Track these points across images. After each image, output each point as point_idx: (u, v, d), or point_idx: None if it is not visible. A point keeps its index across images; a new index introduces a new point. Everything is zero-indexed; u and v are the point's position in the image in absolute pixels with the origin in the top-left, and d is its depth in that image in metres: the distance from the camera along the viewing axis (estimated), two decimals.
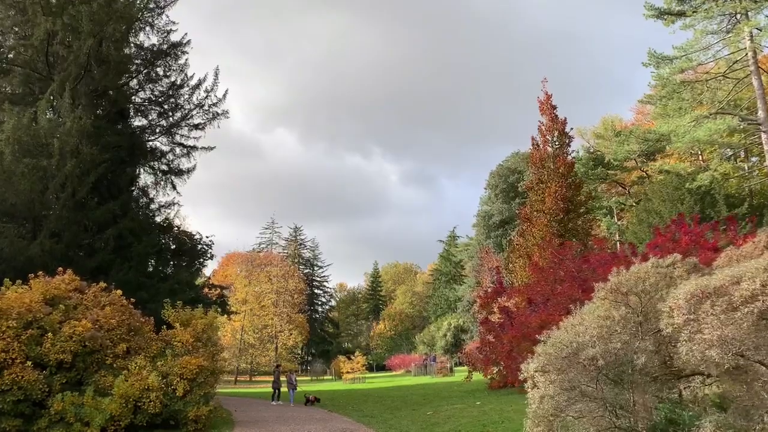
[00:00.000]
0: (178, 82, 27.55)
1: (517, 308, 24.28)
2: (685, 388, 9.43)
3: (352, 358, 55.40)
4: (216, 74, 27.58)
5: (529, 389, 8.50)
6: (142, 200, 26.88)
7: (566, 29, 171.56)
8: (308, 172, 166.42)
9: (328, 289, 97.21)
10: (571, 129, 38.66)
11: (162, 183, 27.56)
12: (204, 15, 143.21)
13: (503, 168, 63.48)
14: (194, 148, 27.82)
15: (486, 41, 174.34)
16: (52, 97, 22.61)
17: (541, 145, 37.58)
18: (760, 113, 36.98)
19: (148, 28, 26.55)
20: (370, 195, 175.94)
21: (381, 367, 75.84)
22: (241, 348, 64.60)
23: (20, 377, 13.84)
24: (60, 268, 16.56)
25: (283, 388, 26.72)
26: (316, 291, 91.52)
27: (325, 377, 65.15)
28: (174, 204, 28.16)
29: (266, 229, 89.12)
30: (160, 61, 26.86)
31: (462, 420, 15.03)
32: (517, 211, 56.49)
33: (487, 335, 24.61)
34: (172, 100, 27.59)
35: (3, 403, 13.62)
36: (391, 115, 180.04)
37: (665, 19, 41.47)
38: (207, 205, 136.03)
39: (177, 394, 15.14)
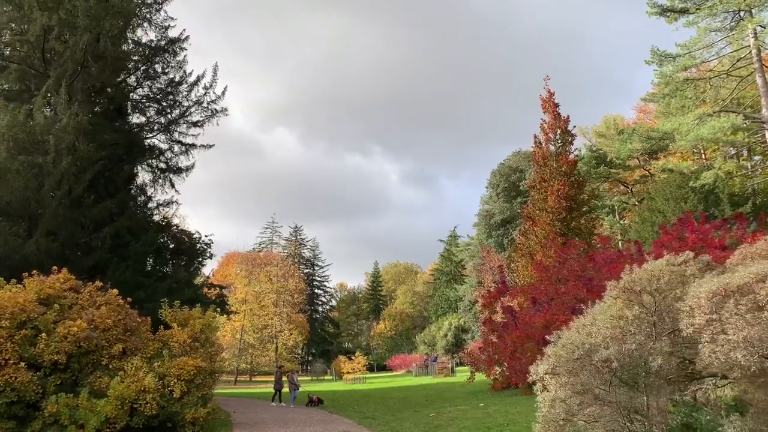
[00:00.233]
0: (177, 79, 27.21)
1: (520, 308, 23.93)
2: (696, 390, 9.10)
3: (353, 358, 55.06)
4: (215, 71, 27.28)
5: (539, 392, 8.16)
6: (140, 198, 26.50)
7: (566, 29, 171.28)
8: (308, 171, 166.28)
9: (329, 289, 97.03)
10: (574, 127, 38.37)
11: (160, 181, 27.22)
12: (204, 15, 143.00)
13: (505, 167, 63.09)
14: (193, 145, 27.48)
15: (486, 41, 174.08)
16: (49, 95, 22.27)
17: (543, 143, 37.27)
18: (764, 111, 36.65)
19: (146, 24, 26.21)
20: (370, 195, 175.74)
21: (382, 368, 75.51)
22: (240, 348, 64.29)
23: (14, 378, 13.48)
24: (55, 267, 16.21)
25: (285, 389, 26.38)
26: (316, 291, 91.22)
27: (326, 377, 64.82)
28: (173, 202, 27.85)
29: (266, 228, 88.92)
30: (158, 58, 26.49)
31: (466, 422, 14.68)
32: (519, 210, 56.16)
33: (489, 335, 24.27)
34: (170, 97, 27.23)
35: None
36: (391, 115, 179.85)
37: (668, 17, 41.12)
38: (207, 205, 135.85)
39: (174, 395, 14.80)
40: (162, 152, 27.32)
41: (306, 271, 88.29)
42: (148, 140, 27.09)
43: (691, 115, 40.29)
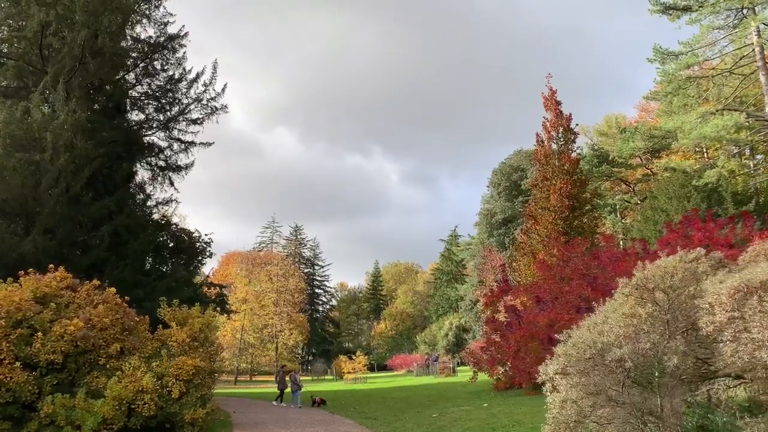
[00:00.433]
0: (176, 76, 26.91)
1: (524, 307, 23.67)
2: (707, 390, 8.84)
3: (354, 357, 54.79)
4: (214, 68, 26.99)
5: (548, 392, 7.90)
6: (138, 197, 26.20)
7: (567, 28, 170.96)
8: (308, 171, 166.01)
9: (329, 289, 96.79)
10: (576, 125, 38.13)
11: (159, 179, 26.93)
12: (203, 13, 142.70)
13: (506, 166, 62.83)
14: (192, 143, 27.19)
15: (486, 41, 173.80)
16: (47, 92, 22.02)
17: (545, 142, 37.05)
18: (767, 109, 36.40)
19: (144, 21, 25.90)
20: (370, 194, 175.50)
21: (382, 367, 75.23)
22: (241, 348, 64.03)
23: (9, 378, 13.23)
24: (51, 265, 15.93)
25: (288, 389, 26.10)
26: (316, 290, 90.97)
27: (326, 377, 64.57)
28: (172, 201, 27.55)
29: (267, 228, 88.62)
30: (157, 55, 26.20)
31: (470, 423, 14.40)
32: (520, 209, 55.93)
33: (492, 335, 24.00)
34: (170, 94, 26.93)
35: None
36: (391, 114, 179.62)
37: (671, 14, 40.85)
38: (207, 205, 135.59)
39: (173, 395, 14.53)
40: (161, 150, 27.05)
41: (306, 270, 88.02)
42: (147, 138, 26.84)
43: (693, 113, 40.05)
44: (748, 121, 39.39)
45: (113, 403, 13.77)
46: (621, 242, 46.42)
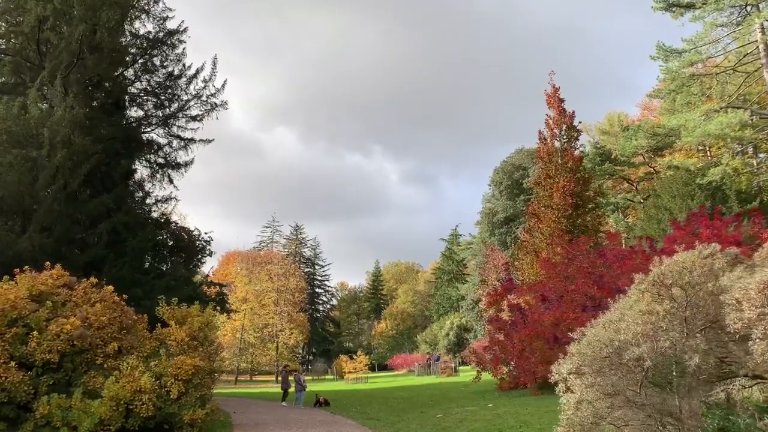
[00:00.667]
0: (176, 73, 26.59)
1: (528, 306, 23.35)
2: (722, 390, 8.53)
3: (355, 357, 54.44)
4: (214, 63, 26.65)
5: (561, 393, 7.59)
6: (137, 194, 25.87)
7: (567, 27, 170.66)
8: (308, 171, 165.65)
9: (330, 288, 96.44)
10: (579, 122, 37.84)
11: (158, 176, 26.59)
12: (203, 9, 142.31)
13: (508, 164, 62.50)
14: (192, 140, 26.85)
15: (486, 40, 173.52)
16: (45, 88, 21.71)
17: (548, 139, 36.75)
18: None
19: (143, 16, 25.56)
20: (370, 194, 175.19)
21: (383, 367, 74.90)
22: (241, 347, 63.74)
23: (4, 378, 12.87)
24: (48, 263, 15.60)
25: (291, 389, 25.79)
26: (317, 290, 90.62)
27: (327, 377, 64.29)
28: (171, 198, 27.23)
29: (267, 227, 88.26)
30: (156, 50, 25.87)
31: (475, 424, 14.08)
32: (522, 208, 55.62)
33: (496, 334, 23.67)
34: (169, 91, 26.61)
35: None
36: (391, 114, 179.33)
37: (674, 12, 40.56)
38: (206, 204, 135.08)
39: (171, 396, 14.18)
40: (160, 147, 26.73)
41: (306, 270, 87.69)
42: (146, 135, 26.51)
43: (697, 111, 39.77)
44: (752, 119, 39.11)
45: (110, 404, 13.43)
46: (624, 241, 46.11)
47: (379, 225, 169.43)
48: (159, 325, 16.20)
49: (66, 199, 20.37)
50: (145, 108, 26.66)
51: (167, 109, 26.40)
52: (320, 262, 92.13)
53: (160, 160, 26.84)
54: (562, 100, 36.84)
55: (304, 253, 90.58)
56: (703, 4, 37.98)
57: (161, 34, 25.86)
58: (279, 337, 65.85)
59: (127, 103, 26.18)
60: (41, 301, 14.50)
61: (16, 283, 14.73)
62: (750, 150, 47.05)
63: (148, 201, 26.35)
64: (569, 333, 8.27)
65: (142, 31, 25.77)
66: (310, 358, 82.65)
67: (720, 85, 41.81)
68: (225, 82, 27.07)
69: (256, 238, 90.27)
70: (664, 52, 40.16)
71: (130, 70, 25.87)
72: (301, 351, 76.16)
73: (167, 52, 26.12)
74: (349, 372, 53.55)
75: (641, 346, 6.69)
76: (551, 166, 35.50)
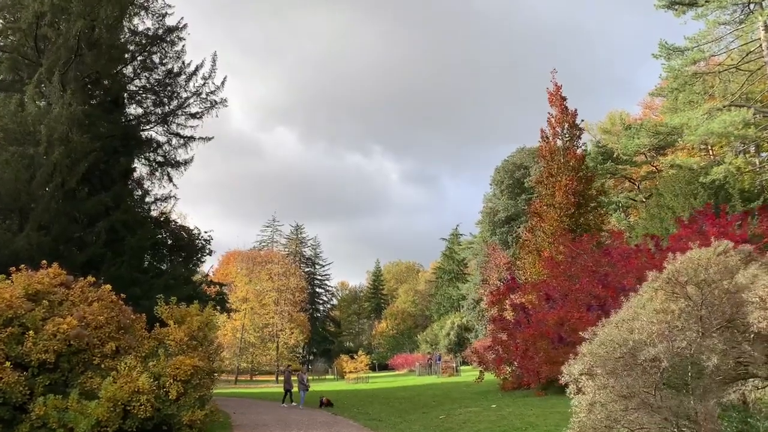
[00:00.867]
0: (175, 70, 26.31)
1: (531, 305, 23.08)
2: (734, 391, 8.28)
3: (356, 357, 54.16)
4: (213, 60, 26.39)
5: (572, 394, 7.33)
6: (136, 193, 25.58)
7: (567, 27, 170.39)
8: (308, 171, 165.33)
9: (330, 288, 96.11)
10: (582, 121, 37.58)
11: (158, 174, 26.30)
12: (202, 8, 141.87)
13: (509, 163, 62.22)
14: (191, 138, 26.56)
15: (486, 41, 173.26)
16: (43, 85, 21.45)
17: (550, 138, 36.49)
18: None
19: (143, 12, 25.28)
20: (370, 194, 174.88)
21: (383, 367, 74.63)
22: (241, 347, 63.48)
23: None
24: (44, 262, 15.34)
25: (294, 389, 25.52)
26: (317, 289, 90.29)
27: (327, 376, 64.03)
28: (171, 197, 26.91)
29: (267, 227, 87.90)
30: (156, 47, 25.59)
31: (479, 425, 13.82)
32: (523, 207, 55.34)
33: (499, 333, 23.39)
34: (168, 88, 26.33)
35: None
36: (391, 114, 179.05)
37: (676, 10, 40.32)
38: (206, 204, 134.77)
39: (170, 396, 13.94)
40: (160, 145, 26.43)
41: (307, 269, 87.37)
42: (146, 132, 26.22)
43: (700, 109, 39.52)
44: (755, 117, 38.86)
45: (108, 405, 13.18)
46: (624, 240, 45.80)
47: (380, 225, 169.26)
48: (158, 324, 15.96)
49: (64, 197, 20.12)
50: (144, 105, 26.39)
51: (166, 107, 26.12)
52: (320, 262, 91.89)
53: (160, 159, 26.57)
54: (564, 99, 36.58)
55: (304, 253, 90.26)
56: (706, 1, 37.69)
57: (160, 31, 25.59)
58: (279, 336, 65.57)
59: (126, 101, 25.90)
60: (37, 300, 14.25)
61: (12, 281, 14.48)
62: (752, 149, 46.84)
63: (147, 200, 26.09)
64: (580, 333, 8.01)
65: (140, 28, 25.53)
66: (311, 357, 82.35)
67: (722, 84, 41.53)
68: (225, 79, 26.86)
69: (256, 237, 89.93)
70: (666, 50, 39.89)
71: (129, 67, 25.60)
72: (301, 351, 75.86)
73: (166, 49, 25.86)
74: (350, 372, 53.28)
75: (657, 346, 6.43)
76: (553, 165, 35.23)
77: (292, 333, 66.01)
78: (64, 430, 12.96)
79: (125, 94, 25.72)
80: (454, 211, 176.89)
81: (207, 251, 27.55)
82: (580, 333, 7.58)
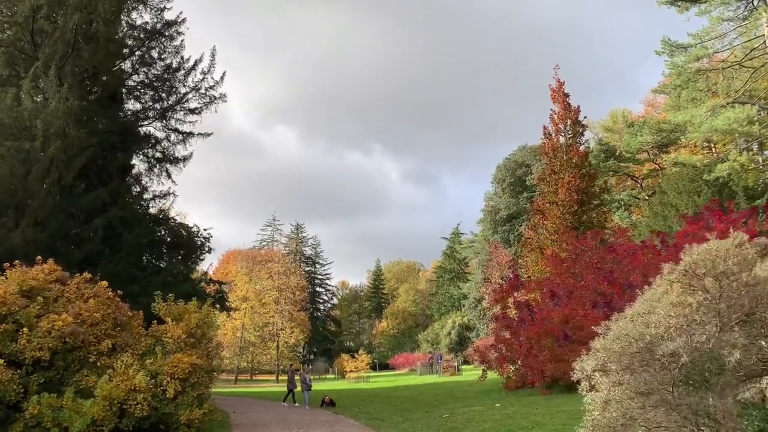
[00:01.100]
0: (174, 65, 25.99)
1: (535, 303, 22.76)
2: (749, 388, 7.97)
3: (356, 356, 53.84)
4: (213, 55, 26.06)
5: (585, 392, 7.00)
6: (134, 189, 25.26)
7: (567, 26, 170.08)
8: (308, 170, 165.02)
9: (330, 287, 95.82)
10: (585, 117, 37.31)
11: (156, 171, 25.99)
12: (201, 3, 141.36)
13: (510, 161, 61.93)
14: (190, 134, 26.22)
15: (486, 40, 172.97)
16: (40, 81, 21.13)
17: (553, 135, 36.22)
18: None
19: (141, 6, 24.94)
20: (370, 193, 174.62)
21: (384, 366, 74.37)
22: (241, 346, 63.18)
23: None
24: (39, 258, 15.02)
25: (297, 388, 25.20)
26: (317, 289, 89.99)
27: (328, 376, 63.74)
28: (169, 194, 26.54)
29: (267, 226, 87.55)
30: (154, 42, 25.26)
31: (484, 425, 13.50)
32: (525, 206, 55.05)
33: (502, 332, 23.06)
34: (167, 83, 26.00)
35: None
36: (391, 113, 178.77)
37: (679, 6, 40.04)
38: (206, 203, 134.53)
39: (167, 395, 13.65)
40: (158, 141, 26.09)
41: (307, 269, 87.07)
42: (144, 128, 25.85)
43: (703, 106, 39.28)
44: (759, 114, 38.60)
45: (103, 404, 12.88)
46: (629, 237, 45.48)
47: (380, 224, 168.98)
48: (155, 322, 15.65)
49: (60, 192, 19.81)
50: (143, 101, 26.02)
51: (165, 102, 25.77)
52: (321, 261, 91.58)
53: (158, 155, 26.24)
54: (566, 95, 36.33)
55: (304, 252, 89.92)
56: None
57: (159, 25, 25.26)
58: (279, 336, 65.24)
59: (124, 96, 25.54)
60: (32, 296, 13.95)
61: (6, 278, 14.17)
62: (755, 147, 46.56)
63: (145, 196, 25.74)
64: (586, 329, 7.68)
65: (139, 22, 25.16)
66: (311, 357, 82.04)
67: (726, 81, 41.23)
68: (224, 74, 26.52)
69: (256, 236, 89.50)
70: (669, 47, 39.60)
71: (127, 62, 25.27)
72: (301, 350, 75.56)
73: (165, 43, 25.52)
74: (351, 371, 52.97)
75: (676, 341, 6.11)
76: (556, 162, 34.96)
77: (293, 332, 65.69)
78: (58, 429, 12.65)
79: (123, 90, 25.36)
80: (455, 210, 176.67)
81: (206, 249, 27.21)
82: (594, 328, 7.27)
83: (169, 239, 26.32)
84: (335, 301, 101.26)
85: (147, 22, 25.14)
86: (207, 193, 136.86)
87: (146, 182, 25.96)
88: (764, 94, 41.78)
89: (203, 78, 25.82)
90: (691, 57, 39.08)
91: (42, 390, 13.03)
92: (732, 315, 6.93)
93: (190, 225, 27.47)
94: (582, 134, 36.45)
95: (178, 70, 26.13)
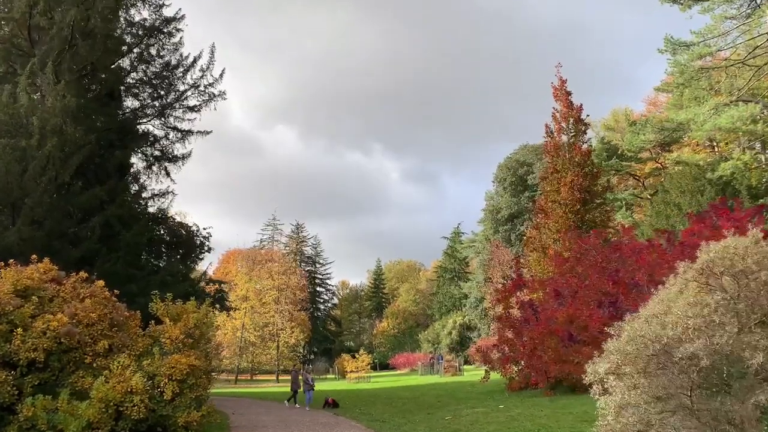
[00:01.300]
0: (173, 62, 25.69)
1: (539, 303, 22.45)
2: (762, 392, 7.67)
3: (357, 356, 53.57)
4: (212, 52, 25.78)
5: (597, 395, 6.72)
6: (133, 187, 24.96)
7: (568, 25, 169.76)
8: (308, 169, 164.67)
9: (331, 287, 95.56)
10: (587, 116, 36.98)
11: (155, 169, 25.68)
12: (201, 4, 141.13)
13: (512, 160, 61.62)
14: (190, 132, 25.95)
15: (487, 39, 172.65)
16: (37, 78, 20.83)
17: (555, 133, 35.91)
18: None
19: (139, 3, 24.68)
20: (370, 193, 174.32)
21: (385, 366, 74.06)
22: (241, 346, 62.91)
23: None
24: (34, 257, 14.73)
25: (301, 389, 24.91)
26: (318, 288, 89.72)
27: (328, 376, 63.45)
28: (168, 193, 26.23)
29: (267, 225, 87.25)
30: (153, 39, 24.97)
31: (488, 427, 13.21)
32: (526, 205, 54.79)
33: (505, 332, 22.75)
34: (166, 81, 25.71)
35: None
36: (392, 113, 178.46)
37: (682, 4, 39.66)
38: (206, 203, 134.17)
39: (165, 397, 13.33)
40: (157, 139, 25.81)
41: (308, 268, 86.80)
42: (142, 126, 25.55)
43: (706, 105, 39.00)
44: (763, 112, 38.32)
45: (99, 406, 12.55)
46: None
47: (380, 223, 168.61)
48: (153, 322, 15.34)
49: (57, 190, 19.54)
50: (141, 98, 25.73)
51: (164, 100, 25.48)
52: (321, 261, 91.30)
53: (157, 153, 25.95)
54: (569, 93, 36.01)
55: (305, 252, 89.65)
56: None
57: (158, 22, 24.97)
58: (280, 335, 64.97)
59: (122, 94, 25.24)
60: (27, 296, 13.63)
61: (1, 277, 13.87)
62: (758, 146, 46.31)
63: (144, 195, 25.43)
64: (605, 328, 7.40)
65: (137, 19, 24.90)
66: (311, 357, 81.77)
67: (729, 79, 40.95)
68: (223, 71, 26.27)
69: (256, 236, 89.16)
70: (672, 45, 39.27)
71: (125, 59, 24.98)
72: (302, 350, 75.28)
73: (164, 40, 25.24)
74: (351, 371, 52.64)
75: (695, 343, 5.82)
76: (558, 161, 34.65)
77: (293, 332, 65.42)
78: (53, 431, 12.37)
79: (122, 87, 25.06)
80: (455, 209, 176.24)
81: (206, 248, 26.92)
82: (606, 329, 6.98)
83: (167, 238, 26.04)
84: (335, 300, 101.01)
85: (145, 19, 24.90)
86: (207, 193, 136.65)
87: (145, 181, 25.72)
88: (767, 93, 41.52)
89: (202, 75, 25.58)
90: (693, 55, 38.76)
91: (37, 392, 12.69)
92: (751, 315, 6.65)
93: (190, 224, 27.21)
94: (584, 132, 36.12)
95: (177, 67, 25.86)
